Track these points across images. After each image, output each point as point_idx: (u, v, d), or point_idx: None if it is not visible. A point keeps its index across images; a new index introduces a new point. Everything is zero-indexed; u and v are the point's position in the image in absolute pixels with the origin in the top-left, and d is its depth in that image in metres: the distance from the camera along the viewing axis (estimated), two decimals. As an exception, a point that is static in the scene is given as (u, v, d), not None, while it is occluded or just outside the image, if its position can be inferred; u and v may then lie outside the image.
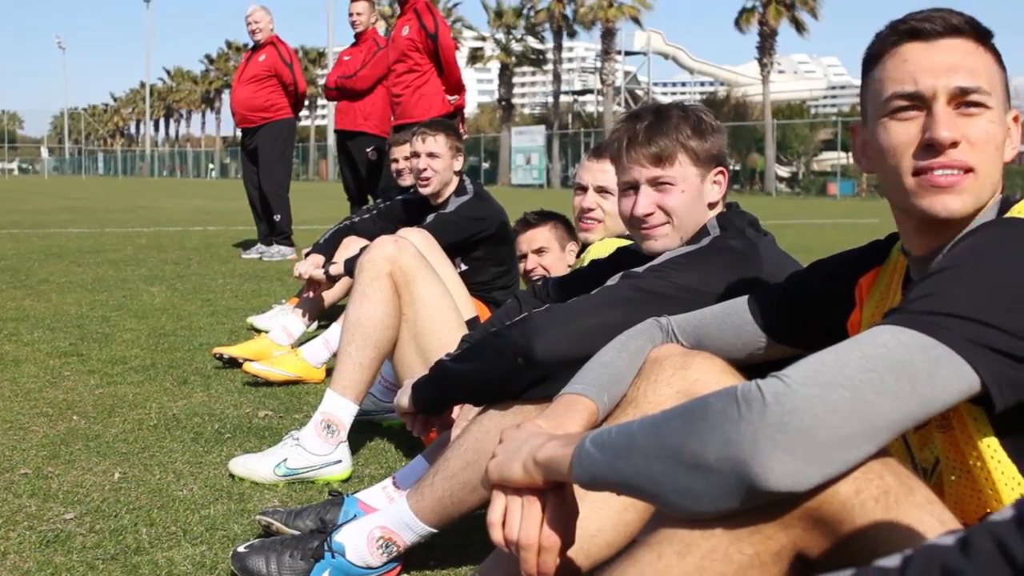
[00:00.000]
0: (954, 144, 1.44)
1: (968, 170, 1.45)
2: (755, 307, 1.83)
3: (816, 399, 1.21)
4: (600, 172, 3.28)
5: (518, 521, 1.45)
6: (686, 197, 2.26)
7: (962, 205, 1.46)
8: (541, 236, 3.80)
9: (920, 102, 1.47)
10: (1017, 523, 0.82)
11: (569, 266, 3.62)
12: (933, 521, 1.23)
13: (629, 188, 2.31)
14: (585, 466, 1.37)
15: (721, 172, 2.31)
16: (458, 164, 4.51)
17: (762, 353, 1.82)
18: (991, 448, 1.38)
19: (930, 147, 1.45)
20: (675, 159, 2.25)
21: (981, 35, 1.49)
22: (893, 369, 1.24)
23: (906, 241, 1.58)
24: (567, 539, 1.46)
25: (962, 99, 1.45)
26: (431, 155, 4.45)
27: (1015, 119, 1.51)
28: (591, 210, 3.32)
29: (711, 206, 2.31)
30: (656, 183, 2.27)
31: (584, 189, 3.37)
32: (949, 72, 1.45)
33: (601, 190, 3.27)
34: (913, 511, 1.23)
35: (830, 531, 1.24)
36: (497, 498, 1.49)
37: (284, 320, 4.83)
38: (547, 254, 3.77)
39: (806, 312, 1.78)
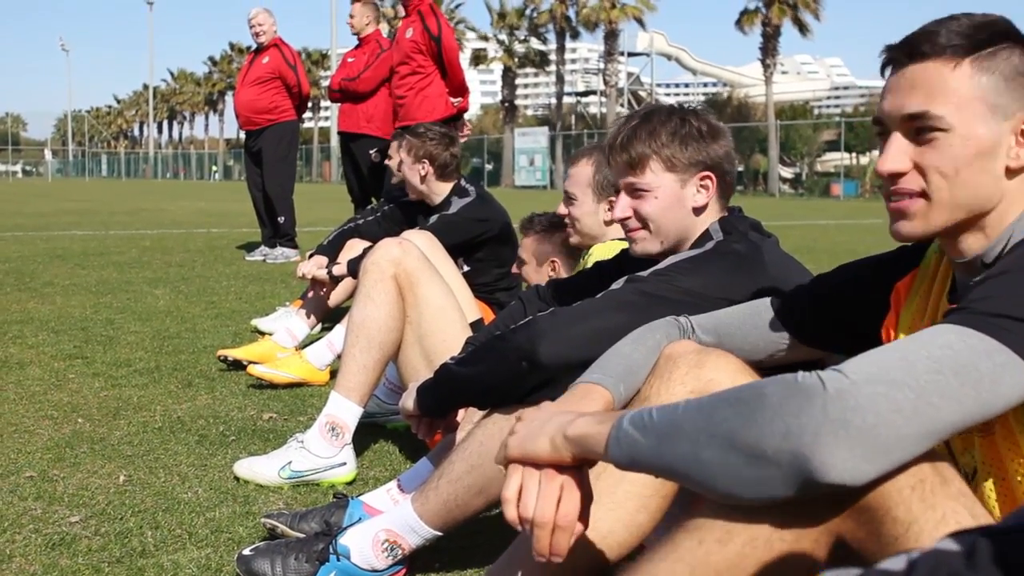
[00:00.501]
0: (900, 174, 1.48)
1: (919, 195, 1.48)
2: (781, 308, 1.82)
3: (881, 398, 1.21)
4: (568, 178, 3.28)
5: (534, 498, 1.43)
6: (660, 204, 2.26)
7: (911, 229, 1.50)
8: (524, 246, 3.78)
9: (885, 129, 1.51)
10: (1021, 533, 0.82)
11: (550, 277, 3.58)
12: (965, 513, 1.24)
13: (615, 190, 2.35)
14: (624, 447, 1.35)
15: (708, 177, 2.27)
16: (422, 169, 4.54)
17: (784, 355, 1.82)
18: None
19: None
20: (646, 166, 2.25)
21: (971, 49, 1.45)
22: (958, 372, 1.24)
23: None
24: (583, 521, 1.45)
25: (912, 125, 1.47)
26: (391, 158, 4.89)
27: None
28: (564, 215, 3.32)
29: (697, 211, 2.28)
30: (631, 189, 2.30)
31: None
32: (905, 98, 1.47)
33: (566, 195, 3.27)
34: (947, 502, 1.24)
35: (867, 518, 1.25)
36: (513, 474, 1.46)
37: (288, 322, 4.84)
38: (525, 266, 3.75)
39: (837, 316, 1.77)
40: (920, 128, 1.46)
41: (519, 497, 1.45)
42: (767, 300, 1.86)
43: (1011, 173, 1.46)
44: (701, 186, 2.27)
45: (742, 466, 1.24)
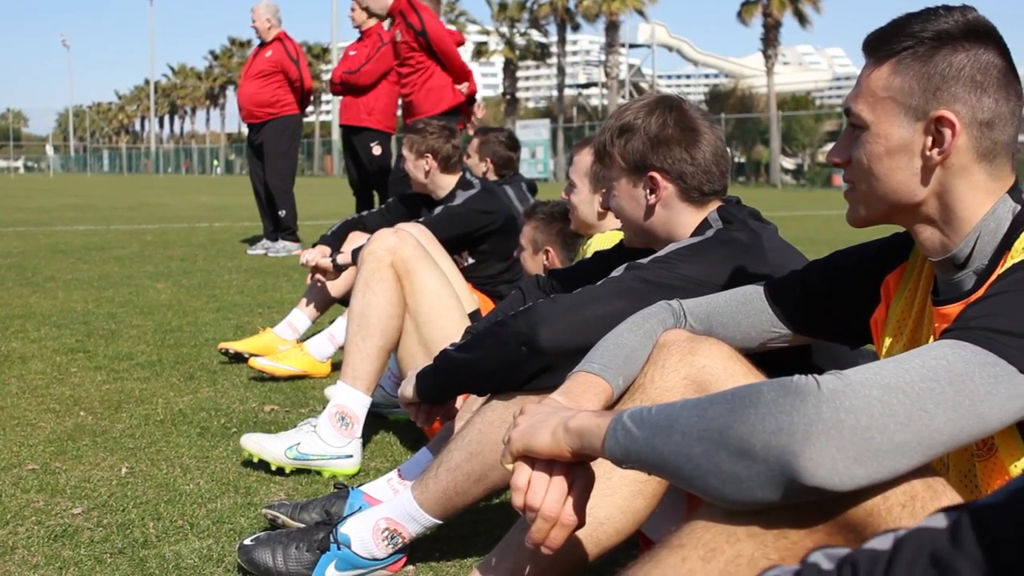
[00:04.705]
0: (839, 164, 1.61)
1: (853, 186, 1.59)
2: (772, 296, 1.82)
3: (875, 401, 1.20)
4: (571, 165, 3.29)
5: (543, 490, 1.43)
6: (618, 200, 2.32)
7: (850, 217, 1.64)
8: (523, 232, 3.78)
9: None
10: (1004, 508, 0.82)
11: (545, 266, 3.58)
12: None
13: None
14: (620, 440, 1.34)
15: (654, 180, 2.23)
16: (426, 164, 4.50)
17: (775, 342, 1.82)
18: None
19: None
20: (606, 160, 2.31)
21: (895, 52, 1.48)
22: (953, 382, 1.23)
23: None
24: (582, 519, 1.45)
25: (850, 120, 1.56)
26: (401, 157, 4.69)
27: (939, 119, 1.45)
28: (566, 202, 3.33)
29: (650, 211, 2.27)
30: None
31: None
32: (851, 93, 1.56)
33: (568, 181, 3.28)
34: None
35: (856, 537, 1.22)
36: (522, 467, 1.46)
37: (289, 315, 4.84)
38: (523, 253, 3.75)
39: (827, 304, 1.77)
40: (852, 123, 1.55)
41: (528, 486, 1.44)
42: (759, 287, 1.85)
43: (929, 171, 1.48)
44: (651, 188, 2.25)
45: (730, 462, 1.22)
